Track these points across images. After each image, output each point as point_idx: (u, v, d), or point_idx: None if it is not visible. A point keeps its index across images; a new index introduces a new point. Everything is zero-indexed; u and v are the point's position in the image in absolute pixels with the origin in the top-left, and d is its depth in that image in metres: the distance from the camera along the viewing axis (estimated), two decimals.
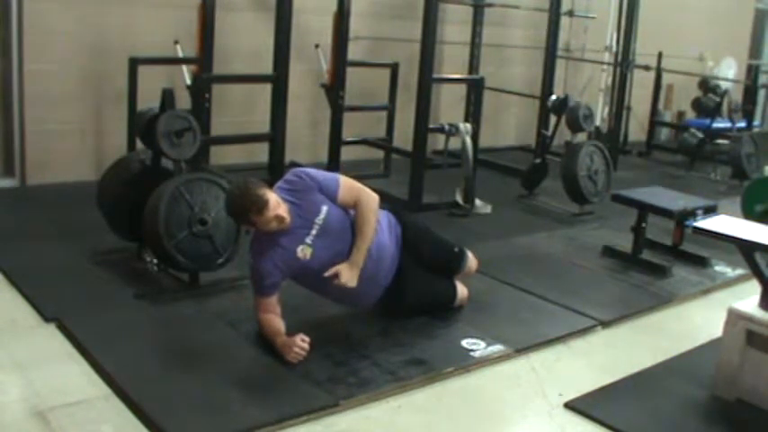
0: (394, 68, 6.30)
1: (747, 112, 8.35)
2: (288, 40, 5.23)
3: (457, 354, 3.26)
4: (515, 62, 7.96)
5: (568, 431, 2.80)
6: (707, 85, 8.63)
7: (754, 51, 11.46)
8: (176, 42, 5.43)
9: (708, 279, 4.51)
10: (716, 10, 9.92)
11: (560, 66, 7.60)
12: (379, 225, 3.38)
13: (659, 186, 5.42)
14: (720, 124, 8.08)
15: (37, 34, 5.21)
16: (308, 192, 3.24)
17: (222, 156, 5.70)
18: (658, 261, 4.59)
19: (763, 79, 9.92)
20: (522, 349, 3.37)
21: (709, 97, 8.36)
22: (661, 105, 9.19)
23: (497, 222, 5.39)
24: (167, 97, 3.86)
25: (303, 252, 3.17)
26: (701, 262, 4.71)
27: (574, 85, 8.21)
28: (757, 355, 2.98)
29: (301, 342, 3.03)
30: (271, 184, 3.27)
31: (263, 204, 3.04)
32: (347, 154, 5.99)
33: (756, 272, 3.08)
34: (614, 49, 8.03)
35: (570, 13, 7.68)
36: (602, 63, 8.40)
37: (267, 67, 5.42)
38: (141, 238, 3.84)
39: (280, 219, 3.08)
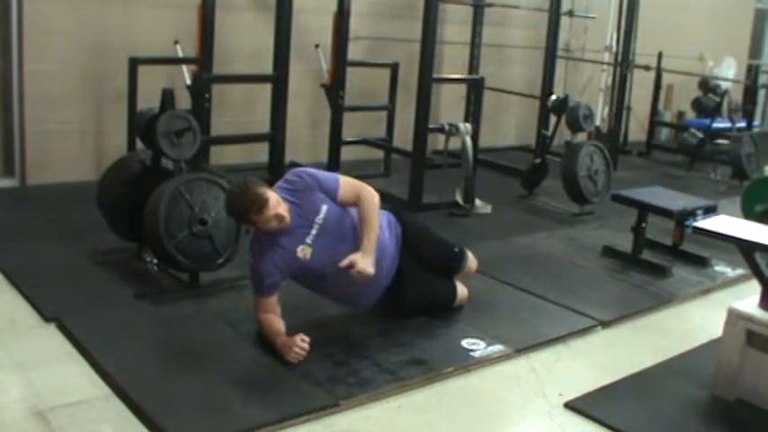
0: (394, 68, 6.30)
1: (747, 112, 8.35)
2: (288, 40, 5.23)
3: (457, 354, 3.26)
4: (515, 62, 7.96)
5: (568, 431, 2.80)
6: (707, 85, 8.62)
7: (754, 51, 11.46)
8: (176, 42, 5.43)
9: (708, 279, 4.51)
10: (716, 10, 9.92)
11: (560, 66, 7.59)
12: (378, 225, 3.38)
13: (659, 186, 5.42)
14: (720, 124, 8.08)
15: (37, 34, 5.21)
16: (309, 191, 3.24)
17: (222, 156, 5.70)
18: (658, 261, 4.59)
19: (763, 79, 9.91)
20: (522, 349, 3.37)
21: (709, 97, 8.36)
22: (661, 105, 9.18)
23: (497, 222, 5.39)
24: (167, 97, 3.86)
25: (303, 252, 3.17)
26: (701, 262, 4.71)
27: (574, 85, 8.21)
28: (757, 355, 2.98)
29: (301, 342, 3.03)
30: (271, 184, 3.27)
31: (262, 203, 3.04)
32: (347, 154, 5.99)
33: (756, 272, 3.08)
34: (614, 49, 8.03)
35: (570, 13, 7.67)
36: (602, 63, 8.40)
37: (267, 67, 5.42)
38: (141, 238, 3.84)
39: (280, 218, 3.08)
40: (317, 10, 5.91)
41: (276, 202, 3.08)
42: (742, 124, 7.99)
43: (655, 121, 8.79)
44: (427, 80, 5.45)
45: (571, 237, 5.15)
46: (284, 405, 2.74)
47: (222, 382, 2.87)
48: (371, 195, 3.29)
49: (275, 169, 5.27)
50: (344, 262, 3.09)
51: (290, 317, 3.21)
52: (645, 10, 7.83)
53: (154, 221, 3.51)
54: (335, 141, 5.82)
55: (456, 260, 3.71)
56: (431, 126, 5.59)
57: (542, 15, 7.21)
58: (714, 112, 8.08)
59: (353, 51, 5.91)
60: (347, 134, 5.95)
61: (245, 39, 5.95)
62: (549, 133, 6.33)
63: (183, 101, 5.03)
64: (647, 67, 8.08)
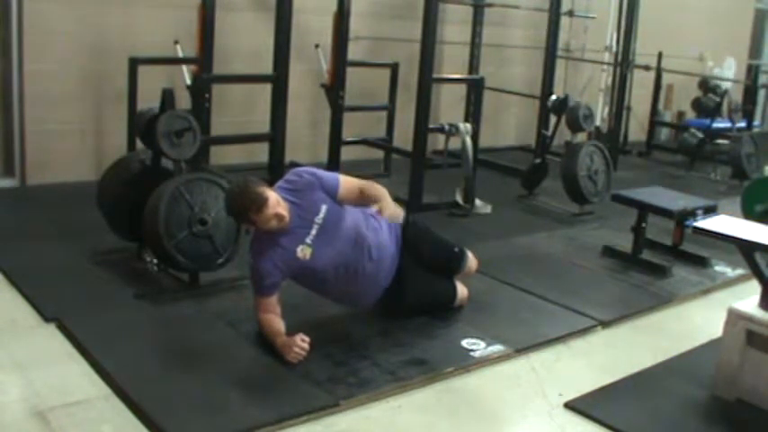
0: (394, 68, 6.30)
1: (747, 112, 8.35)
2: (288, 40, 5.23)
3: (457, 354, 3.26)
4: (515, 62, 7.96)
5: (568, 431, 2.80)
6: (707, 85, 8.62)
7: (754, 51, 11.45)
8: (176, 42, 5.43)
9: (708, 279, 4.51)
10: (716, 10, 9.92)
11: (560, 66, 7.59)
12: (379, 225, 3.38)
13: (659, 186, 5.42)
14: (720, 124, 8.08)
15: (37, 34, 5.21)
16: (309, 190, 3.24)
17: (222, 156, 5.69)
18: (658, 261, 4.59)
19: (763, 79, 9.90)
20: (522, 349, 3.37)
21: (709, 97, 8.36)
22: (661, 105, 9.18)
23: (497, 222, 5.39)
24: (167, 97, 3.86)
25: (303, 252, 3.17)
26: (701, 262, 4.71)
27: (574, 85, 8.21)
28: (757, 355, 2.98)
29: (301, 342, 3.03)
30: (271, 184, 3.27)
31: (262, 202, 3.04)
32: (347, 154, 5.99)
33: (756, 272, 3.08)
34: (614, 49, 8.03)
35: (570, 13, 7.67)
36: (602, 63, 8.40)
37: (267, 67, 5.42)
38: (141, 238, 3.84)
39: (279, 217, 3.08)
40: (317, 10, 5.91)
41: (276, 202, 3.08)
42: (742, 124, 7.99)
43: (655, 121, 8.79)
44: (427, 80, 5.45)
45: (571, 237, 5.15)
46: (284, 405, 2.74)
47: (222, 382, 2.87)
48: (373, 184, 3.35)
49: (275, 169, 5.27)
50: (373, 209, 3.25)
51: (290, 317, 3.21)
52: (645, 10, 7.83)
53: (154, 221, 3.51)
54: (335, 141, 5.82)
55: (456, 260, 3.71)
56: (431, 126, 5.59)
57: (542, 15, 7.21)
58: (714, 112, 8.08)
59: (353, 51, 5.91)
60: (347, 134, 5.95)
61: (245, 39, 5.95)
62: (549, 133, 6.33)
63: (183, 101, 5.03)
64: (647, 67, 8.08)
